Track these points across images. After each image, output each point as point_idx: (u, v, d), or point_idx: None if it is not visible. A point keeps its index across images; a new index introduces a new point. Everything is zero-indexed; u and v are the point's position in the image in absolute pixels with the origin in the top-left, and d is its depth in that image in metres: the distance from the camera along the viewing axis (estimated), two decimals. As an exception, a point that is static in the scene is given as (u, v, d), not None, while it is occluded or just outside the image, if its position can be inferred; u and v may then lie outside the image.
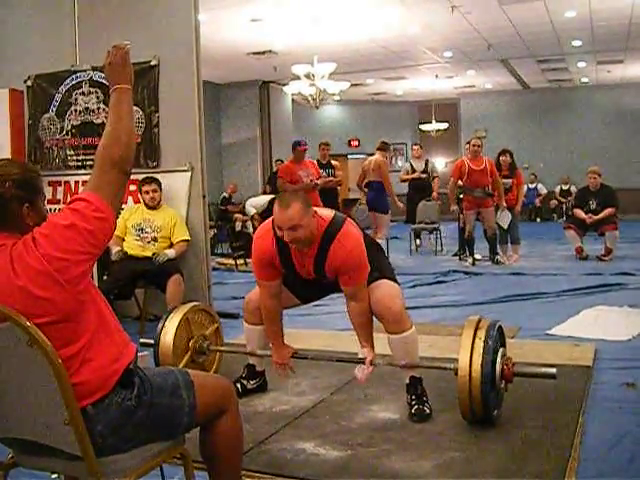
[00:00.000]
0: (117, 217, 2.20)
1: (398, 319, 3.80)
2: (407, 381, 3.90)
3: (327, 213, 3.75)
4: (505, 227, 10.20)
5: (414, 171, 12.95)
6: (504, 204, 10.05)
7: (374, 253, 3.91)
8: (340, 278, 3.71)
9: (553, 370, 3.58)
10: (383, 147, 10.54)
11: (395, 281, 3.95)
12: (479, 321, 3.63)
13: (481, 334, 3.51)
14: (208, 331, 4.49)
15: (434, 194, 12.77)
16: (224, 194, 15.52)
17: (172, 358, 4.17)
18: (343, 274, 3.68)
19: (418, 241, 12.98)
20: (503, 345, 3.71)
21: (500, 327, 3.67)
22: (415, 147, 13.58)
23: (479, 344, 3.47)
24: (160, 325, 4.32)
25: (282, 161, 14.75)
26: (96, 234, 2.08)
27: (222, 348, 4.61)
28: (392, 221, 11.18)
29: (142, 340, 4.38)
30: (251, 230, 13.11)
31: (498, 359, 3.54)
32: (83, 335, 2.09)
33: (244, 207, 14.00)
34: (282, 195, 3.85)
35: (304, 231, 3.52)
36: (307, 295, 4.23)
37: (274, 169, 15.89)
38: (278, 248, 3.74)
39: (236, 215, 14.31)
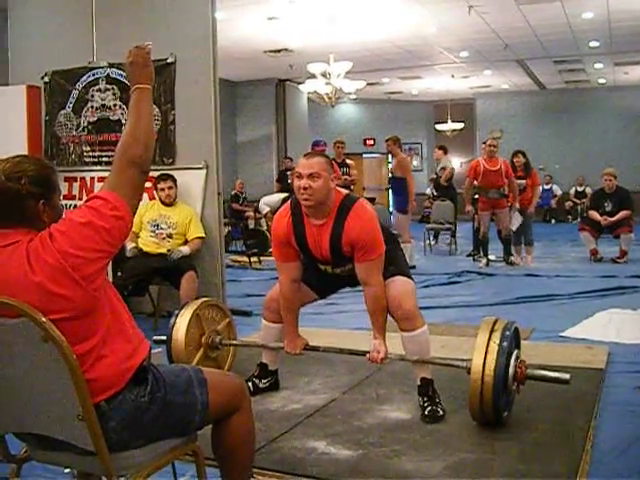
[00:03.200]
0: (134, 216, 2.21)
1: (410, 317, 3.81)
2: (418, 383, 3.90)
3: (343, 190, 3.84)
4: (514, 229, 10.16)
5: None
6: (517, 205, 10.02)
7: (391, 246, 3.91)
8: (355, 254, 3.69)
9: (567, 376, 3.54)
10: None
11: (409, 276, 3.96)
12: (495, 322, 3.61)
13: (496, 336, 3.49)
14: (220, 326, 4.50)
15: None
16: (234, 191, 15.53)
17: (185, 355, 4.19)
18: (359, 249, 3.67)
19: (433, 241, 12.99)
20: (518, 347, 3.70)
21: (516, 329, 3.66)
22: (439, 151, 13.54)
23: (494, 347, 3.45)
24: (171, 322, 4.34)
25: (291, 159, 14.77)
26: (113, 232, 2.09)
27: (235, 342, 4.61)
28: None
29: (155, 337, 4.40)
30: (265, 228, 13.14)
31: (512, 361, 3.53)
32: (97, 332, 2.11)
33: (258, 205, 14.02)
34: (309, 152, 3.99)
35: (321, 184, 3.58)
36: (323, 286, 4.19)
37: (281, 167, 15.89)
38: (294, 226, 3.78)
39: (248, 213, 14.33)
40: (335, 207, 3.70)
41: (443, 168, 12.88)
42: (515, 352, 3.60)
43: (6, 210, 2.12)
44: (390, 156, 10.02)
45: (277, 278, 4.11)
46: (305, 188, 3.58)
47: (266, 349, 4.32)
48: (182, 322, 4.28)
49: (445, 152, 13.44)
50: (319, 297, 4.26)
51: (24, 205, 2.12)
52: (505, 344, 3.46)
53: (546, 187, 18.98)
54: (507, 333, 3.51)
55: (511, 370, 3.51)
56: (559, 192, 19.73)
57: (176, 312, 4.41)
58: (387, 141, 10.32)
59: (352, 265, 3.79)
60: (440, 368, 4.01)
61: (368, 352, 3.85)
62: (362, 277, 3.75)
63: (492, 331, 3.53)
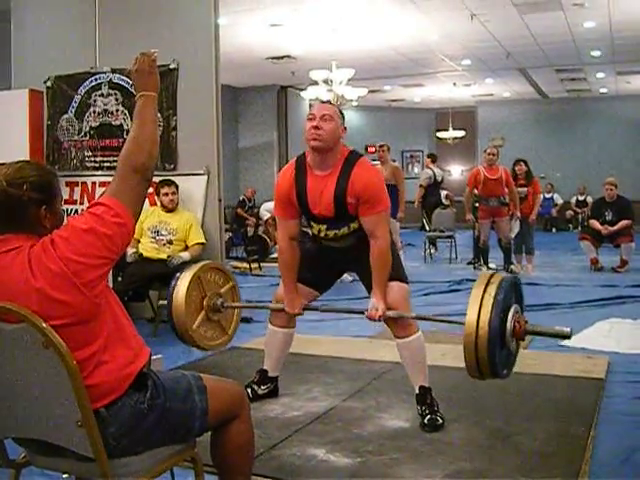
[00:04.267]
0: (136, 223, 2.21)
1: (404, 324, 3.82)
2: (417, 391, 3.88)
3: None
4: (512, 236, 10.13)
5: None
6: (518, 214, 10.00)
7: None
8: (361, 208, 3.70)
9: (567, 329, 3.48)
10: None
11: (405, 280, 3.96)
12: (491, 276, 3.45)
13: (491, 289, 3.31)
14: (223, 289, 4.45)
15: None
16: (242, 196, 15.52)
17: (185, 317, 4.15)
18: (364, 202, 3.68)
19: (432, 249, 13.00)
20: (519, 302, 3.51)
21: (515, 283, 3.51)
22: (427, 160, 14.18)
23: (488, 299, 3.27)
24: (172, 284, 4.28)
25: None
26: (115, 239, 2.09)
27: (236, 304, 4.59)
28: (405, 228, 11.24)
29: (160, 302, 4.39)
30: (265, 235, 13.16)
31: (509, 316, 3.34)
32: (98, 338, 2.11)
33: (259, 211, 14.04)
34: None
35: (332, 127, 3.67)
36: (316, 277, 4.13)
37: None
38: (296, 180, 3.82)
39: (248, 221, 14.34)
40: (342, 159, 3.76)
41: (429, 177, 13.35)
42: (514, 306, 3.40)
43: (8, 216, 2.12)
44: (380, 163, 9.97)
45: (278, 284, 4.13)
46: (316, 127, 3.66)
47: (268, 350, 4.29)
48: (182, 284, 4.21)
49: (433, 161, 13.89)
50: (317, 292, 4.20)
51: (26, 211, 2.12)
52: (501, 297, 3.28)
53: (547, 196, 18.98)
54: (504, 285, 3.34)
55: (509, 325, 3.33)
56: (560, 201, 19.75)
57: (177, 275, 4.36)
58: (382, 147, 10.25)
59: (346, 229, 3.81)
60: (438, 377, 4.00)
61: (366, 310, 3.83)
62: (369, 229, 3.74)
63: (488, 284, 3.36)
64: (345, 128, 3.80)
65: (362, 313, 3.88)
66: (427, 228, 12.85)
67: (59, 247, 2.04)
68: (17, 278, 2.03)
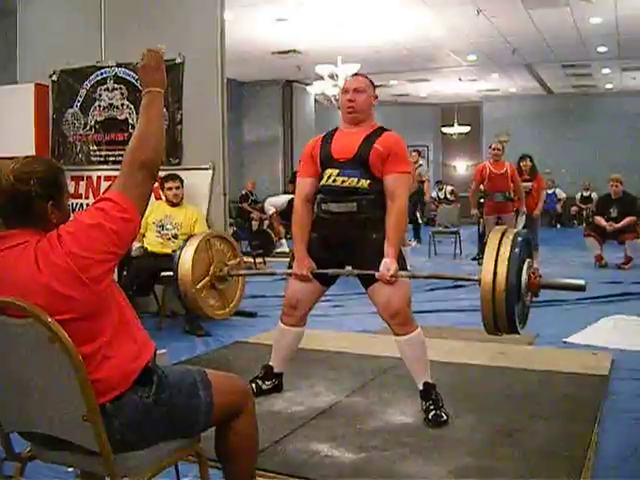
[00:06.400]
0: (142, 218, 2.21)
1: (403, 322, 3.82)
2: (421, 387, 3.88)
3: None
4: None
5: None
6: (524, 209, 9.98)
7: None
8: (385, 165, 3.78)
9: (582, 282, 3.48)
10: None
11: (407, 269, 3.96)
12: (505, 230, 3.45)
13: (507, 242, 3.32)
14: (230, 262, 4.46)
15: (426, 197, 14.18)
16: (244, 190, 15.52)
17: (191, 279, 4.15)
18: (390, 159, 3.78)
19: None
20: (530, 257, 3.48)
21: (528, 239, 3.48)
22: (413, 153, 14.34)
23: (504, 252, 3.28)
24: (181, 245, 4.34)
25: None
26: (121, 234, 2.10)
27: (243, 272, 4.62)
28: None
29: (163, 274, 4.43)
30: (270, 230, 13.15)
31: (524, 269, 3.35)
32: (104, 332, 2.11)
33: (263, 206, 14.03)
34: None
35: (364, 98, 3.93)
36: (322, 265, 4.06)
37: (295, 169, 15.91)
38: (323, 138, 4.04)
39: (252, 215, 14.33)
40: (373, 126, 3.96)
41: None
42: (527, 260, 3.40)
43: (15, 211, 2.12)
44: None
45: (283, 279, 4.12)
46: (350, 100, 3.91)
47: (276, 347, 4.28)
48: (191, 245, 4.24)
49: (418, 154, 14.86)
50: (321, 285, 4.13)
51: (33, 206, 2.13)
52: (517, 250, 3.29)
53: (549, 191, 18.91)
54: (518, 240, 3.33)
55: (524, 278, 3.34)
56: (563, 195, 19.72)
57: (186, 238, 4.46)
58: None
59: (356, 180, 3.81)
60: (442, 373, 4.01)
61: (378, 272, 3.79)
62: (390, 189, 3.78)
63: (502, 237, 3.37)
64: (377, 96, 4.06)
65: (373, 275, 3.81)
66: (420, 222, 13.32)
67: (65, 242, 2.04)
68: (23, 273, 2.04)
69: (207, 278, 4.29)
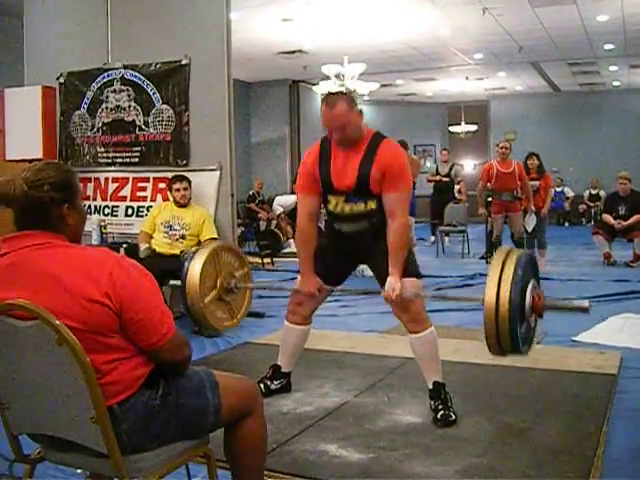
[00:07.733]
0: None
1: (417, 319, 3.83)
2: (430, 386, 3.89)
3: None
4: (529, 230, 10.10)
5: (438, 174, 14.10)
6: (532, 208, 9.95)
7: None
8: (384, 185, 3.72)
9: (586, 303, 3.44)
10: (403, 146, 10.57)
11: (418, 275, 3.95)
12: (509, 251, 3.44)
13: (510, 263, 3.30)
14: (237, 273, 4.45)
15: (462, 196, 13.24)
16: (251, 191, 15.54)
17: (199, 292, 4.14)
18: (388, 179, 3.71)
19: (447, 241, 13.09)
20: (535, 277, 3.48)
21: (532, 259, 3.49)
22: (444, 152, 14.79)
23: (508, 273, 3.25)
24: (189, 256, 4.30)
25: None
26: (137, 332, 2.16)
27: (250, 285, 4.60)
28: (417, 222, 11.29)
29: (172, 282, 4.43)
30: (278, 230, 13.17)
31: (528, 291, 3.32)
32: (127, 349, 2.15)
33: (271, 205, 14.03)
34: (328, 95, 3.87)
35: (351, 129, 3.71)
36: (329, 269, 4.09)
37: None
38: (320, 154, 3.89)
39: (260, 215, 14.33)
40: (368, 137, 3.82)
41: None
42: (532, 281, 3.38)
43: (32, 217, 2.13)
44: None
45: (292, 278, 4.12)
46: (337, 134, 3.73)
47: (283, 346, 4.30)
48: (199, 257, 4.21)
49: (447, 152, 14.98)
50: (329, 285, 4.14)
51: (49, 211, 2.14)
52: (520, 271, 3.27)
53: (557, 190, 18.88)
54: (522, 260, 3.32)
55: (528, 299, 3.31)
56: (571, 194, 19.66)
57: (193, 250, 4.45)
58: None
59: (363, 205, 3.80)
60: (450, 372, 4.00)
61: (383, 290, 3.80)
62: (389, 208, 3.75)
63: (506, 258, 3.34)
64: (361, 111, 3.81)
65: (378, 293, 3.84)
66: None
67: (120, 279, 2.08)
68: (45, 271, 2.05)
69: (215, 291, 4.30)
